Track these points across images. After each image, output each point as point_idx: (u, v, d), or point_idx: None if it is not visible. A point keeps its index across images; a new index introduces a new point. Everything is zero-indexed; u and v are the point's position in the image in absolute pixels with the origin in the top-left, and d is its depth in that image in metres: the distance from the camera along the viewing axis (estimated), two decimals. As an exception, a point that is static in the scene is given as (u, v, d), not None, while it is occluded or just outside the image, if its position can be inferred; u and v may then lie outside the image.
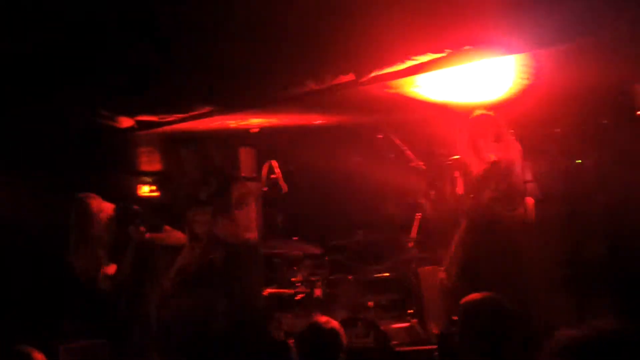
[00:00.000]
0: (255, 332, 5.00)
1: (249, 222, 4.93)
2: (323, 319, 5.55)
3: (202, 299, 4.87)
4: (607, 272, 5.15)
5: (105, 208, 5.68)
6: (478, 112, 4.62)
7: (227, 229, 4.78)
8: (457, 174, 4.69)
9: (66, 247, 5.79)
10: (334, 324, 4.57)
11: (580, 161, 5.10)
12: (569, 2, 3.54)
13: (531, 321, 4.28)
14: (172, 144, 5.24)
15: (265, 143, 6.65)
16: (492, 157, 4.29)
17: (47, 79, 4.92)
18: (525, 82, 4.71)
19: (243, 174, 6.80)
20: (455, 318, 4.50)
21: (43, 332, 6.02)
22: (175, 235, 5.33)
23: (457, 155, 4.70)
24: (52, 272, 6.12)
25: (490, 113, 4.58)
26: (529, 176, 4.35)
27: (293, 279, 5.91)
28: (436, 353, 4.79)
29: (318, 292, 5.74)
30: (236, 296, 4.83)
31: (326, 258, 5.97)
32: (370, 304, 5.67)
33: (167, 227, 5.42)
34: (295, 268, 5.99)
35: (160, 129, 5.72)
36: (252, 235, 4.97)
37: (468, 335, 3.42)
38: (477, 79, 4.63)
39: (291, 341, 5.77)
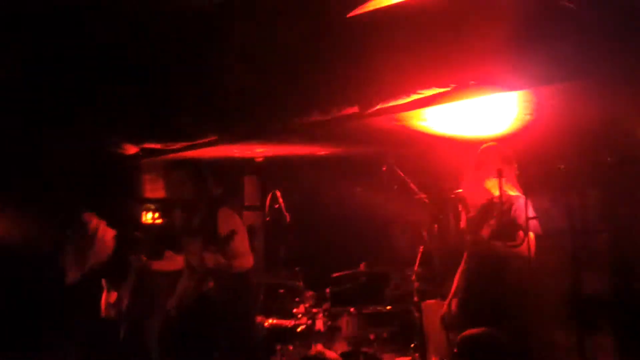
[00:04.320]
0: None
1: (242, 252, 4.84)
2: (324, 351, 5.55)
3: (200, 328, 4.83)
4: (609, 309, 5.13)
5: (108, 232, 5.68)
6: (482, 146, 4.64)
7: (216, 259, 4.67)
8: (460, 207, 4.69)
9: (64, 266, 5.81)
10: (335, 356, 4.56)
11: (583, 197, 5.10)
12: (569, 41, 3.59)
13: (531, 356, 4.26)
14: (170, 168, 5.18)
15: (270, 172, 6.67)
16: (495, 192, 4.29)
17: (53, 107, 4.97)
18: (529, 117, 4.74)
19: (246, 203, 6.80)
20: (457, 352, 4.49)
21: (43, 357, 6.00)
22: (176, 261, 5.30)
23: (460, 188, 4.70)
24: (52, 297, 6.10)
25: (494, 147, 4.59)
26: (531, 212, 4.33)
27: (294, 310, 5.86)
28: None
29: (319, 324, 5.70)
30: (230, 327, 4.78)
31: (328, 290, 5.94)
32: (372, 336, 5.63)
33: (168, 253, 5.40)
34: (297, 299, 5.95)
35: (165, 156, 5.76)
36: (246, 264, 4.88)
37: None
38: (481, 113, 4.66)
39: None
